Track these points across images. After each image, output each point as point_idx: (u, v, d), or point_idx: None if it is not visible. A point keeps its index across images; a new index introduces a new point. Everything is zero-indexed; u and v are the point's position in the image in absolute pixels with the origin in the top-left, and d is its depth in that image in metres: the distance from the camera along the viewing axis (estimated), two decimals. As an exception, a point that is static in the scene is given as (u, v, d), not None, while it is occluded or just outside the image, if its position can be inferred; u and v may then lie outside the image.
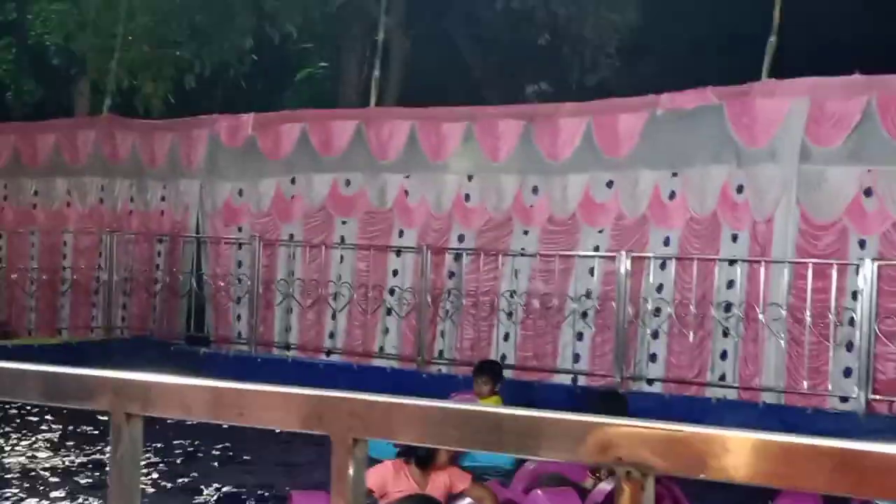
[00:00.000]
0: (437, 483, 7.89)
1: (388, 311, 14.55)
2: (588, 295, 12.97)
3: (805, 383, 11.59)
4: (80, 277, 16.30)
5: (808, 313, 11.57)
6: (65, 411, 11.35)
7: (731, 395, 12.00)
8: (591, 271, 13.04)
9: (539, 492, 8.32)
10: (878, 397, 11.05)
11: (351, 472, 1.61)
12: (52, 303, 16.38)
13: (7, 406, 11.75)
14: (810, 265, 11.62)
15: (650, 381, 12.53)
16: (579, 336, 13.06)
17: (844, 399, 11.34)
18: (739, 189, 12.32)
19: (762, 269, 11.89)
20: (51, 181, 17.40)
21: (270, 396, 1.69)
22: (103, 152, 17.12)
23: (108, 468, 1.89)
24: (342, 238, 15.11)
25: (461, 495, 7.91)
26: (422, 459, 7.75)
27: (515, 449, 1.60)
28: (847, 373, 11.42)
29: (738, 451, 1.36)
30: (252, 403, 1.71)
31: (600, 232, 13.20)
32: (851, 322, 11.30)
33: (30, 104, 21.64)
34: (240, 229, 15.83)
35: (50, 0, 20.34)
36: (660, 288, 12.48)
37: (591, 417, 1.47)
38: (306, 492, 8.56)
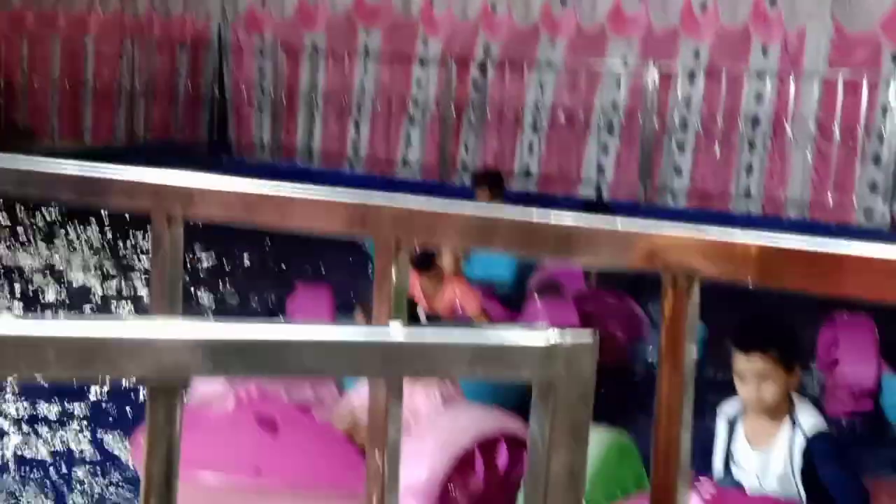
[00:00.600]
0: (447, 298, 7.96)
1: (411, 122, 14.51)
2: (614, 107, 12.89)
3: (830, 197, 11.60)
4: (102, 84, 16.23)
5: (836, 127, 11.52)
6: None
7: (755, 209, 12.03)
8: (618, 83, 12.91)
9: (536, 300, 8.43)
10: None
11: (394, 276, 1.62)
12: (75, 109, 16.36)
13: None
14: (840, 78, 11.52)
15: (674, 196, 12.54)
16: (604, 149, 13.02)
17: (869, 214, 11.35)
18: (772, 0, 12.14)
19: (791, 83, 11.80)
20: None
21: (314, 199, 1.68)
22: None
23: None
24: (366, 46, 14.97)
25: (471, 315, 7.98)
26: (420, 262, 7.64)
27: (560, 253, 1.59)
28: (873, 187, 11.42)
29: (784, 259, 1.36)
30: (295, 205, 1.70)
31: (629, 44, 13.02)
32: (881, 138, 11.26)
33: None
34: (262, 37, 15.69)
35: None
36: (687, 101, 12.37)
37: (638, 225, 1.48)
38: (311, 284, 8.64)
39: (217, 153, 15.48)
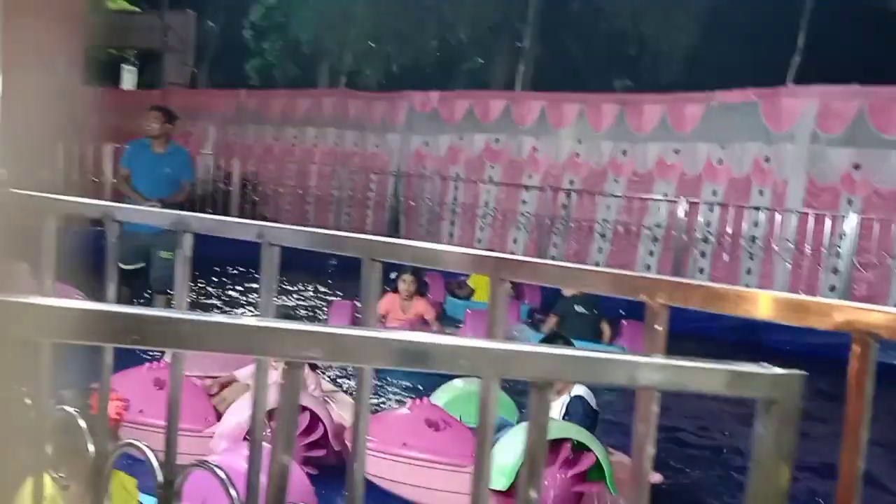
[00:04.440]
0: (416, 309, 8.19)
1: (517, 228, 14.55)
2: (658, 225, 12.82)
3: (802, 294, 11.35)
4: (320, 194, 16.51)
5: (807, 246, 11.32)
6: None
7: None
8: (660, 210, 12.86)
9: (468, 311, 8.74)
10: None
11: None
12: (301, 208, 16.61)
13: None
14: (811, 214, 11.36)
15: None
16: (650, 253, 12.94)
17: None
18: (767, 159, 12.01)
19: (777, 215, 11.65)
20: (304, 130, 17.72)
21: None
22: (338, 112, 17.33)
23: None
24: (490, 177, 15.12)
25: (427, 322, 8.28)
26: (405, 293, 8.30)
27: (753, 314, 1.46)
28: (832, 289, 11.16)
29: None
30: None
31: (669, 184, 12.98)
32: (838, 255, 11.02)
33: (289, 79, 22.02)
34: (424, 168, 15.93)
35: (304, 10, 20.60)
36: (707, 224, 12.27)
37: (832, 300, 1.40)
38: (342, 302, 8.84)
39: (391, 241, 15.61)
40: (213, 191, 15.17)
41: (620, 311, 8.91)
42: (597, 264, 13.09)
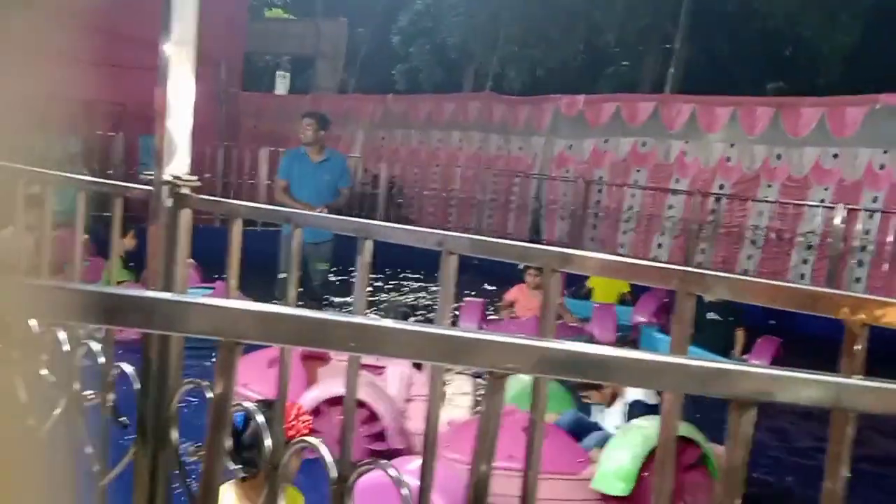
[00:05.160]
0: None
1: (662, 233, 14.25)
2: (813, 233, 12.27)
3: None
4: (465, 195, 16.57)
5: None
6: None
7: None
8: (816, 217, 12.31)
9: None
10: None
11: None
12: (443, 210, 16.77)
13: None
14: None
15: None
16: (804, 261, 12.40)
17: None
18: (935, 165, 11.33)
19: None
20: (448, 133, 17.91)
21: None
22: (483, 116, 17.43)
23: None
24: (636, 181, 14.86)
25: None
26: (532, 284, 8.52)
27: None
28: None
29: None
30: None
31: (826, 189, 12.41)
32: None
33: (435, 83, 22.26)
34: (567, 171, 15.82)
35: (452, 15, 20.82)
36: (867, 231, 11.66)
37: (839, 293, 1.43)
38: (473, 300, 8.75)
39: (532, 244, 15.49)
40: (361, 193, 15.52)
41: (771, 321, 8.59)
42: (745, 272, 12.67)
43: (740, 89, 16.52)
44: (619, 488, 4.14)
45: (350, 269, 11.49)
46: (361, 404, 4.90)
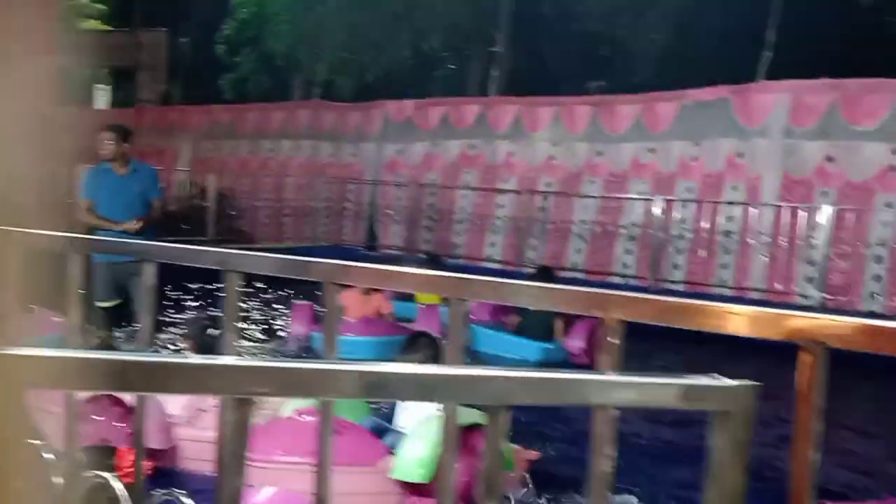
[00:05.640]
0: (372, 303, 8.35)
1: (494, 231, 14.46)
2: (635, 224, 12.80)
3: (777, 286, 11.38)
4: (297, 205, 16.42)
5: (782, 239, 11.35)
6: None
7: (727, 293, 11.81)
8: (635, 209, 12.84)
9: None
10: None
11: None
12: (278, 221, 16.54)
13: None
14: (786, 207, 11.40)
15: (673, 282, 12.36)
16: (627, 251, 12.92)
17: (804, 298, 11.08)
18: (740, 155, 12.05)
19: (752, 209, 11.68)
20: (278, 142, 17.63)
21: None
22: (313, 124, 17.26)
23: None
24: (466, 182, 15.06)
25: (383, 317, 8.57)
26: (363, 289, 8.30)
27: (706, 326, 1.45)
28: (809, 280, 11.19)
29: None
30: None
31: (644, 183, 12.98)
32: (813, 246, 11.06)
33: (262, 91, 21.92)
34: (399, 176, 15.85)
35: (277, 22, 20.51)
36: (683, 221, 12.27)
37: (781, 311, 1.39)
38: (302, 303, 9.03)
39: (369, 251, 15.50)
40: (190, 207, 15.05)
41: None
42: (575, 265, 13.10)
43: (563, 89, 17.08)
44: (419, 475, 4.09)
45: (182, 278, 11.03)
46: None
